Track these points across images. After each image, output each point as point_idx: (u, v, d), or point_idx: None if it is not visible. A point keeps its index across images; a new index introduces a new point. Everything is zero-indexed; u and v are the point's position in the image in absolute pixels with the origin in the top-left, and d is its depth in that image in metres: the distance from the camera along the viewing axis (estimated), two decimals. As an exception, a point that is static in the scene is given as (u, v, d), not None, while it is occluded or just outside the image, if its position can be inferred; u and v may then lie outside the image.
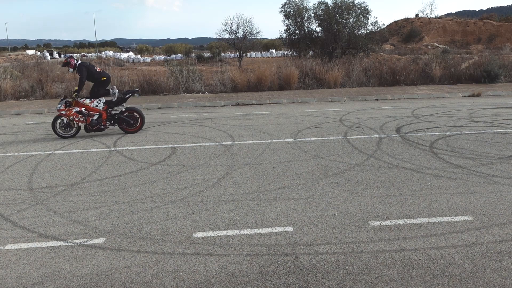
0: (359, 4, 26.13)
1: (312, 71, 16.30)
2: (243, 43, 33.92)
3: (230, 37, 34.04)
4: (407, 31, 54.01)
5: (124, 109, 8.91)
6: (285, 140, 7.84)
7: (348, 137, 7.90)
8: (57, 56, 66.72)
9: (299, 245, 3.73)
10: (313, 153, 6.84)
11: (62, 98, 8.74)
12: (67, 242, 3.92)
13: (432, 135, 7.89)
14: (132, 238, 3.95)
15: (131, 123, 8.87)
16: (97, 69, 8.90)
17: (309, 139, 7.87)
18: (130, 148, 7.58)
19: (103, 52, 70.08)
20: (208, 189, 5.24)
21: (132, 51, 77.77)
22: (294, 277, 3.24)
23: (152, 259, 3.57)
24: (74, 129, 8.66)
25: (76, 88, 8.72)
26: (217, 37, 35.64)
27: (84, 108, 8.61)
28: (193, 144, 7.71)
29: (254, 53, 51.99)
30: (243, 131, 8.74)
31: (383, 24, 32.12)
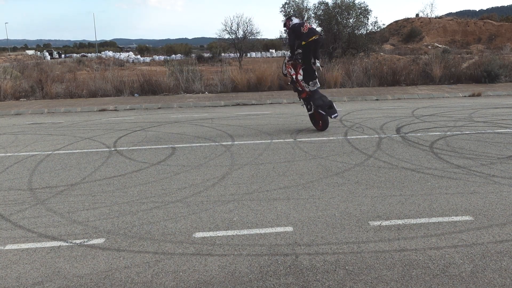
0: (359, 4, 26.13)
1: (312, 71, 16.28)
2: (243, 43, 33.94)
3: (230, 37, 34.08)
4: (407, 31, 54.01)
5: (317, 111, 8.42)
6: (285, 140, 7.84)
7: (348, 137, 7.90)
8: (56, 56, 66.78)
9: (299, 245, 3.73)
10: (313, 153, 6.83)
11: (297, 58, 8.20)
12: (67, 242, 3.92)
13: (432, 135, 7.89)
14: (132, 238, 3.95)
15: (316, 121, 8.56)
16: (303, 28, 7.90)
17: (309, 139, 7.86)
18: (130, 148, 7.58)
19: (103, 52, 70.12)
20: (208, 189, 5.24)
21: (132, 51, 77.74)
22: (294, 277, 3.24)
23: (152, 259, 3.57)
24: (285, 71, 8.70)
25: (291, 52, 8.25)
26: (217, 37, 35.69)
27: (294, 76, 8.44)
28: (193, 144, 7.70)
29: (254, 53, 52.01)
30: (243, 131, 8.74)
31: (383, 24, 32.13)
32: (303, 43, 7.78)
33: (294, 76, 8.50)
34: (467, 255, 3.49)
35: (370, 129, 8.59)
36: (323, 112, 8.25)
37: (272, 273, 3.31)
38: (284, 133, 8.46)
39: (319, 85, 8.56)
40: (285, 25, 8.35)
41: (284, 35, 29.09)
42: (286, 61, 8.66)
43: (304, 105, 8.82)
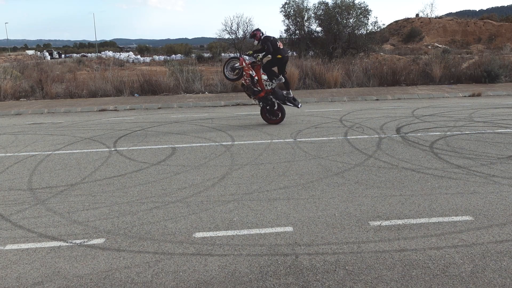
0: (359, 4, 26.14)
1: (312, 71, 16.29)
2: (243, 43, 33.93)
3: (230, 37, 34.08)
4: (407, 31, 54.03)
5: (275, 103, 9.35)
6: (285, 140, 7.84)
7: (348, 137, 7.90)
8: (56, 56, 66.77)
9: (299, 245, 3.73)
10: (313, 153, 6.83)
11: (257, 54, 9.04)
12: (67, 242, 3.92)
13: (432, 135, 7.89)
14: (132, 238, 3.95)
15: (272, 116, 9.42)
16: (279, 44, 9.12)
17: (309, 139, 7.86)
18: (130, 148, 7.58)
19: (103, 52, 70.12)
20: (208, 189, 5.24)
21: (132, 51, 77.75)
22: (294, 277, 3.24)
23: (152, 259, 3.57)
24: (235, 77, 9.41)
25: (261, 56, 9.03)
26: (217, 37, 35.70)
27: (257, 79, 9.16)
28: (193, 144, 7.70)
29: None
30: (243, 131, 8.74)
31: (383, 24, 32.18)
32: (279, 56, 8.97)
33: (256, 78, 9.14)
34: (467, 255, 3.49)
35: (370, 129, 8.59)
36: (290, 104, 9.37)
37: (272, 273, 3.31)
38: (284, 133, 8.46)
39: (283, 80, 9.31)
40: (255, 35, 9.16)
41: (284, 35, 29.14)
42: (238, 66, 9.20)
43: (260, 104, 9.51)
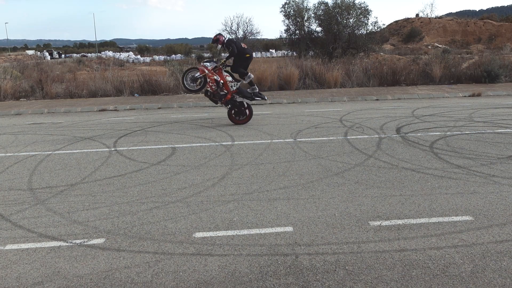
0: (359, 4, 26.16)
1: (312, 71, 16.29)
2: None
3: (230, 37, 34.11)
4: (407, 31, 54.03)
5: (242, 101, 9.42)
6: (285, 140, 7.84)
7: (348, 137, 7.90)
8: (56, 56, 66.77)
9: (299, 245, 3.73)
10: (313, 153, 6.83)
11: (214, 60, 9.33)
12: (67, 242, 3.92)
13: (432, 135, 7.89)
14: (132, 238, 3.95)
15: (240, 116, 9.47)
16: (243, 45, 9.41)
17: (309, 139, 7.86)
18: (130, 148, 7.58)
19: (103, 52, 70.13)
20: (208, 189, 5.24)
21: (132, 51, 77.76)
22: (294, 277, 3.24)
23: (152, 259, 3.57)
24: (197, 87, 9.26)
25: (225, 59, 9.27)
26: (217, 37, 35.69)
27: (222, 82, 9.18)
28: (193, 144, 7.71)
29: (254, 53, 52.04)
30: (243, 131, 8.74)
31: (383, 24, 32.17)
32: (248, 55, 9.29)
33: (221, 81, 9.19)
34: (467, 255, 3.49)
35: (370, 129, 8.59)
36: (258, 99, 9.53)
37: (272, 273, 3.31)
38: (284, 133, 8.46)
39: (252, 76, 9.53)
40: (217, 40, 9.27)
41: (284, 35, 29.15)
42: (199, 75, 9.11)
43: (227, 107, 9.51)
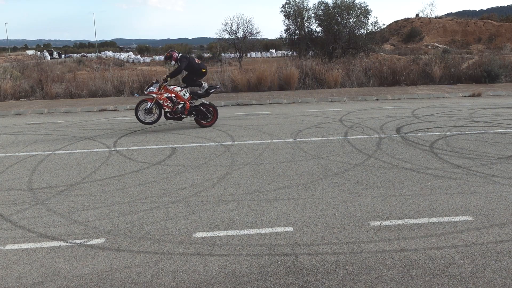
0: (359, 4, 26.16)
1: (312, 71, 16.29)
2: (243, 43, 33.93)
3: (230, 37, 34.07)
4: (407, 31, 54.02)
5: (202, 102, 9.37)
6: (285, 140, 7.84)
7: (348, 137, 7.90)
8: (57, 56, 66.75)
9: (299, 245, 3.73)
10: (313, 153, 6.83)
11: (154, 82, 9.11)
12: (67, 242, 3.92)
13: (432, 135, 7.89)
14: (132, 238, 3.95)
15: (208, 116, 9.31)
16: (197, 60, 9.52)
17: (309, 139, 7.86)
18: (130, 148, 7.59)
19: (103, 52, 70.14)
20: (208, 189, 5.24)
21: (132, 51, 77.76)
22: (294, 277, 3.24)
23: (152, 259, 3.57)
24: (155, 115, 9.04)
25: (168, 74, 9.07)
26: (217, 37, 35.67)
27: (174, 96, 8.98)
28: (193, 144, 7.71)
29: (254, 53, 51.99)
30: (243, 131, 8.74)
31: (383, 24, 32.18)
32: (204, 70, 9.36)
33: (173, 95, 8.95)
34: (467, 255, 3.49)
35: (370, 129, 8.59)
36: (212, 91, 9.52)
37: (272, 273, 3.31)
38: (284, 133, 8.46)
39: (206, 86, 9.53)
40: (170, 56, 9.15)
41: (284, 35, 29.15)
42: (150, 105, 8.93)
43: (193, 116, 9.32)
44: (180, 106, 9.02)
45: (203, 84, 9.46)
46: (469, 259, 3.43)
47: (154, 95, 8.85)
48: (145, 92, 9.06)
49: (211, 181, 5.55)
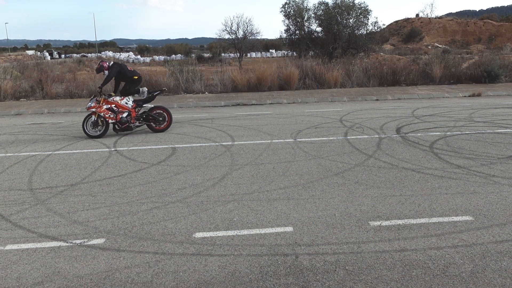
0: (359, 4, 26.17)
1: (312, 71, 16.29)
2: (243, 43, 33.94)
3: (230, 37, 34.09)
4: (407, 31, 54.02)
5: (152, 107, 9.05)
6: (285, 140, 7.84)
7: (348, 137, 7.90)
8: (57, 56, 66.72)
9: (299, 245, 3.73)
10: (313, 153, 6.83)
11: (92, 96, 8.89)
12: (67, 242, 3.92)
13: (432, 135, 7.89)
14: (132, 239, 3.95)
15: (159, 120, 8.98)
16: (129, 68, 9.27)
17: (309, 139, 7.86)
18: (130, 148, 7.59)
19: (103, 53, 70.12)
20: (208, 189, 5.24)
21: (132, 51, 77.77)
22: (294, 277, 3.24)
23: (152, 260, 3.57)
24: (102, 127, 8.64)
25: (100, 85, 8.91)
26: (217, 37, 35.70)
27: (114, 106, 8.68)
28: (193, 145, 7.71)
29: (254, 53, 51.98)
30: (243, 132, 8.74)
31: (383, 24, 32.20)
32: (136, 77, 9.10)
33: (113, 105, 8.63)
34: (467, 255, 3.49)
35: (370, 129, 8.59)
36: (157, 93, 9.19)
37: (272, 273, 3.31)
38: (284, 133, 8.46)
39: (146, 90, 9.37)
40: (101, 67, 8.78)
41: (284, 35, 29.16)
42: (95, 118, 8.58)
43: (142, 123, 9.00)
44: (124, 115, 8.67)
45: (141, 89, 9.20)
46: (469, 259, 3.43)
47: (93, 109, 8.52)
48: (87, 109, 8.74)
49: (211, 181, 5.55)
